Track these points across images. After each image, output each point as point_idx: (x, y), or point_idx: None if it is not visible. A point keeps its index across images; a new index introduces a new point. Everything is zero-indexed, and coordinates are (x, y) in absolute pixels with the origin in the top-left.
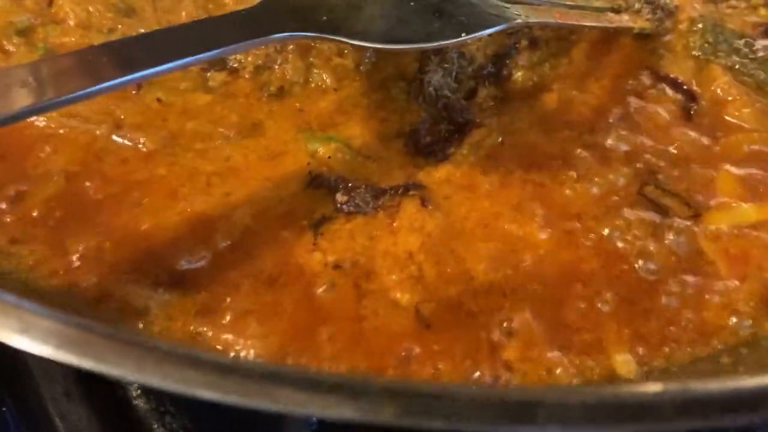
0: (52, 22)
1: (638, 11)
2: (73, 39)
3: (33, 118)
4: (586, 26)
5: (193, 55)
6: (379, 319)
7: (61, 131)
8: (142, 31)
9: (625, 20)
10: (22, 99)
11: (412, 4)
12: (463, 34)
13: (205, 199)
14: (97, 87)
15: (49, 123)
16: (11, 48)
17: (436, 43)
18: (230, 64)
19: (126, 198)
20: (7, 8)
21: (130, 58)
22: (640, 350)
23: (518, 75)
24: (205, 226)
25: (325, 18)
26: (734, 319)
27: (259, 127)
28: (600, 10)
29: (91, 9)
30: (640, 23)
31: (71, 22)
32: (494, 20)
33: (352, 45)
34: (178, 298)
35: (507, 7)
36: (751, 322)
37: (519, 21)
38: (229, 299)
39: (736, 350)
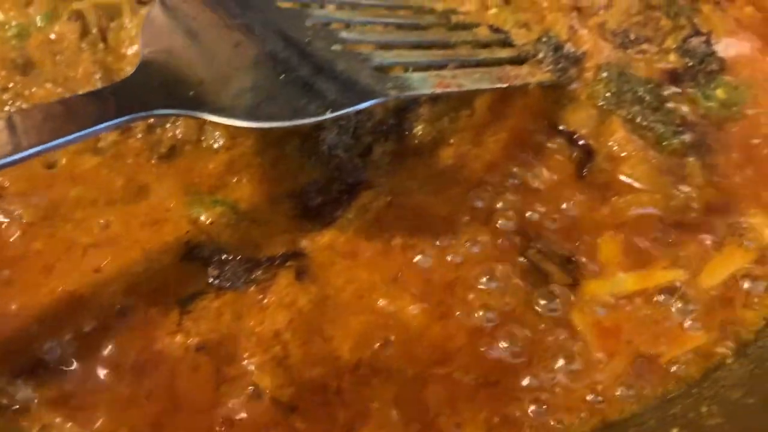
0: None
1: (541, 61)
2: None
3: None
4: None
5: (52, 140)
6: (238, 408)
7: None
8: (35, 89)
9: (523, 75)
10: None
11: (282, 76)
12: (328, 112)
13: (79, 276)
14: None
15: None
16: None
17: (300, 121)
18: None
19: None
20: None
21: None
22: None
23: (418, 128)
24: (75, 306)
25: (192, 93)
26: (599, 398)
27: (145, 190)
28: (501, 62)
29: None
30: (539, 77)
31: None
32: (363, 95)
33: (217, 122)
34: (34, 388)
35: (383, 78)
36: (613, 401)
37: (390, 95)
38: (85, 389)
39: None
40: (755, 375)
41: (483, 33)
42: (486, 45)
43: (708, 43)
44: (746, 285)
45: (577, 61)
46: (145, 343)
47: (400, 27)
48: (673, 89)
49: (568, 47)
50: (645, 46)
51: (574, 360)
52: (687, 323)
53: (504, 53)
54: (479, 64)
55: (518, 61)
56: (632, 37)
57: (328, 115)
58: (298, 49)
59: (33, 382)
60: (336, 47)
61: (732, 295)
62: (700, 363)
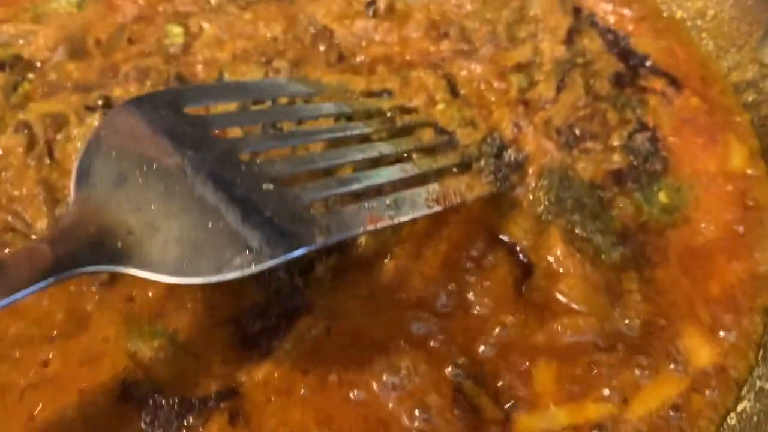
0: None
1: (482, 169)
2: None
3: None
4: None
5: None
6: None
7: None
8: None
9: (462, 191)
10: None
11: (210, 225)
12: (253, 265)
13: (15, 425)
14: None
15: None
16: None
17: (225, 276)
18: None
19: None
20: None
21: None
22: None
23: (362, 240)
24: None
25: (119, 245)
26: None
27: (85, 321)
28: (441, 170)
29: None
30: (478, 190)
31: None
32: (290, 245)
33: (144, 278)
34: None
35: (312, 220)
36: None
37: (317, 242)
38: None
39: None
40: None
41: (428, 137)
42: (429, 151)
43: (653, 140)
44: (676, 415)
45: (518, 166)
46: None
47: (340, 142)
48: (616, 191)
49: (511, 152)
50: (590, 144)
51: None
52: None
53: (447, 160)
54: (421, 178)
55: (461, 165)
56: (577, 133)
57: (254, 269)
58: (227, 192)
59: None
60: (267, 186)
61: (661, 426)
62: None
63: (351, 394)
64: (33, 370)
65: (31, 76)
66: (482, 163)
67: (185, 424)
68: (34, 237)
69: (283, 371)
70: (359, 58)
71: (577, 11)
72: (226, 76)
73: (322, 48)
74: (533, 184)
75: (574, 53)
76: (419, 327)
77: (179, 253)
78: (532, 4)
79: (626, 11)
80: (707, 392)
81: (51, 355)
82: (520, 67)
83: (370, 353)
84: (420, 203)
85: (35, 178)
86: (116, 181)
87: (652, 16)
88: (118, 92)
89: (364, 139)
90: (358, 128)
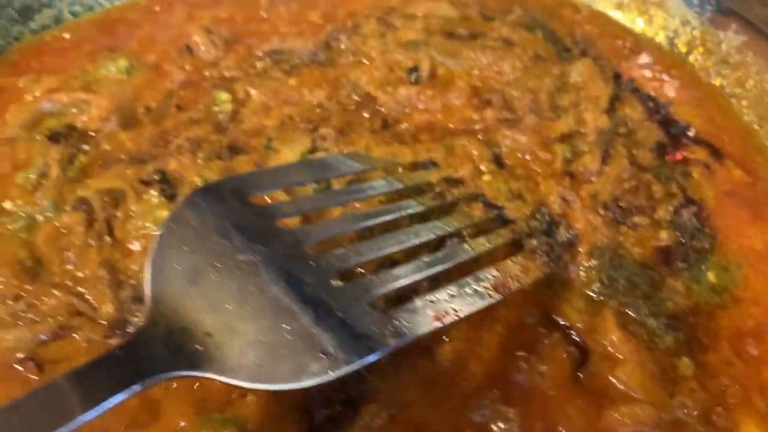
0: None
1: (534, 249)
2: None
3: None
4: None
5: (67, 422)
6: None
7: None
8: (45, 299)
9: (519, 276)
10: None
11: (284, 327)
12: (330, 372)
13: None
14: None
15: None
16: None
17: (303, 383)
18: (131, 330)
19: None
20: None
21: None
22: None
23: None
24: None
25: (200, 347)
26: None
27: (156, 409)
28: (494, 246)
29: None
30: (534, 273)
31: None
32: (365, 348)
33: (222, 382)
34: None
35: (382, 322)
36: None
37: (391, 345)
38: None
39: None
40: None
41: (478, 213)
42: (482, 229)
43: (698, 215)
44: None
45: (570, 245)
46: None
47: (396, 223)
48: (665, 271)
49: (562, 230)
50: (637, 219)
51: None
52: None
53: (500, 239)
54: (476, 261)
55: (512, 243)
56: (624, 207)
57: (331, 376)
58: (299, 292)
59: None
60: (335, 283)
61: None
62: None
63: None
64: None
65: (85, 147)
66: (534, 241)
67: None
68: (101, 322)
69: None
70: (403, 126)
71: (616, 77)
72: (275, 144)
73: (366, 114)
74: (585, 264)
75: (616, 122)
76: (481, 415)
77: (257, 357)
78: (573, 72)
79: (666, 77)
80: None
81: None
82: (563, 138)
83: None
84: (481, 292)
85: (98, 260)
86: (190, 278)
87: (692, 83)
88: (172, 165)
89: (419, 217)
90: (411, 207)
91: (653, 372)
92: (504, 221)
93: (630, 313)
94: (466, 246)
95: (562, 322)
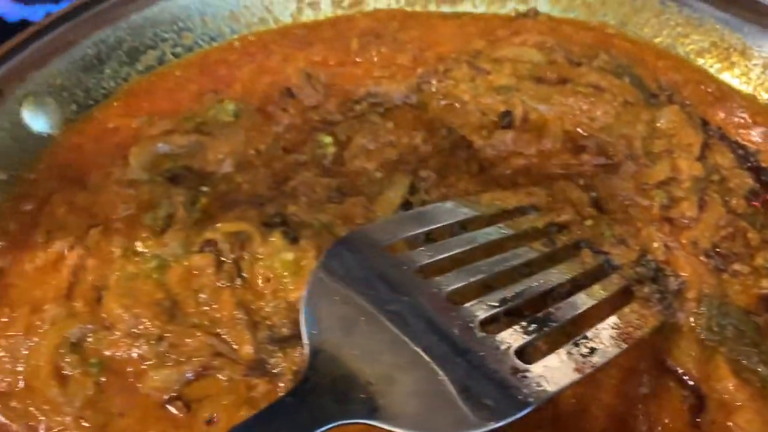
0: (102, 327)
1: (646, 297)
2: (121, 352)
3: None
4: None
5: None
6: None
7: None
8: (187, 340)
9: (639, 325)
10: None
11: (440, 378)
12: (489, 423)
13: None
14: None
15: None
16: (68, 370)
17: None
18: (270, 370)
19: None
20: (61, 318)
21: None
22: None
23: None
24: None
25: (363, 396)
26: None
27: None
28: (609, 294)
29: (137, 311)
30: (651, 322)
31: (118, 332)
32: (520, 401)
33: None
34: None
35: (525, 376)
36: None
37: (543, 397)
38: None
39: None
40: None
41: (588, 259)
42: (593, 275)
43: None
44: None
45: (678, 292)
46: None
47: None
48: None
49: (671, 278)
50: (737, 267)
51: None
52: None
53: (614, 286)
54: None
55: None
56: (723, 253)
57: (490, 427)
58: (449, 343)
59: None
60: (480, 334)
61: None
62: None
63: None
64: None
65: (203, 188)
66: (646, 289)
67: None
68: (240, 362)
69: None
70: (500, 169)
71: (704, 124)
72: (377, 187)
73: (462, 156)
74: (694, 310)
75: (708, 170)
76: None
77: (418, 406)
78: (662, 119)
79: (751, 124)
80: None
81: None
82: (660, 184)
83: None
84: (610, 342)
85: (232, 301)
86: (344, 327)
87: None
88: (292, 209)
89: (535, 264)
90: (527, 253)
91: None
92: (612, 267)
93: (742, 360)
94: (583, 295)
95: (675, 368)
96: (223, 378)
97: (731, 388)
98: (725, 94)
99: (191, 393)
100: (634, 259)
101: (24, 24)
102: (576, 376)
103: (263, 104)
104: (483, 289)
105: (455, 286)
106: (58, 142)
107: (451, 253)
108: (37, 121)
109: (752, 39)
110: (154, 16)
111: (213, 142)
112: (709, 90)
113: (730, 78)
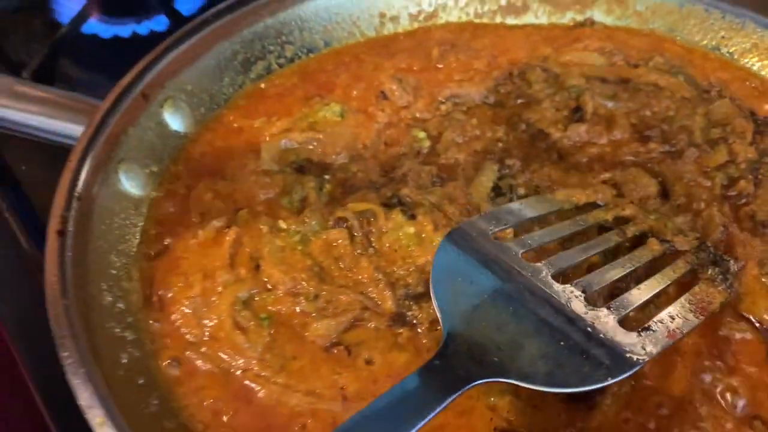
0: (265, 290)
1: (711, 278)
2: (285, 308)
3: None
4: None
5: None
6: None
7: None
8: (341, 298)
9: (711, 300)
10: None
11: (561, 343)
12: (609, 378)
13: None
14: None
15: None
16: (245, 324)
17: (588, 387)
18: (410, 321)
19: None
20: (231, 282)
21: None
22: None
23: None
24: None
25: (496, 359)
26: None
27: None
28: (680, 275)
29: (293, 275)
30: (719, 299)
31: (280, 292)
32: (630, 362)
33: (519, 386)
34: None
35: (630, 341)
36: None
37: (646, 358)
38: None
39: None
40: None
41: (656, 247)
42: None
43: None
44: None
45: (738, 273)
46: None
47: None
48: None
49: (732, 264)
50: None
51: None
52: None
53: (680, 269)
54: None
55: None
56: None
57: (608, 382)
58: (562, 314)
59: None
60: (586, 307)
61: None
62: None
63: None
64: None
65: (325, 176)
66: (709, 271)
67: None
68: (384, 316)
69: (608, 420)
70: (577, 157)
71: (752, 114)
72: (471, 173)
73: (542, 146)
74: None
75: (760, 153)
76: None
77: (546, 366)
78: (716, 111)
79: None
80: None
81: None
82: (719, 167)
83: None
84: (690, 315)
85: (371, 266)
86: (470, 302)
87: None
88: (404, 191)
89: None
90: (608, 242)
91: None
92: (676, 254)
93: None
94: (659, 276)
95: (750, 316)
96: (372, 328)
97: None
98: None
99: (349, 339)
100: (695, 246)
101: (116, 39)
102: (669, 341)
103: (362, 106)
104: (578, 271)
105: (558, 268)
106: (193, 139)
107: (549, 240)
108: (175, 121)
109: None
110: (261, 31)
111: (327, 137)
112: (754, 85)
113: None
